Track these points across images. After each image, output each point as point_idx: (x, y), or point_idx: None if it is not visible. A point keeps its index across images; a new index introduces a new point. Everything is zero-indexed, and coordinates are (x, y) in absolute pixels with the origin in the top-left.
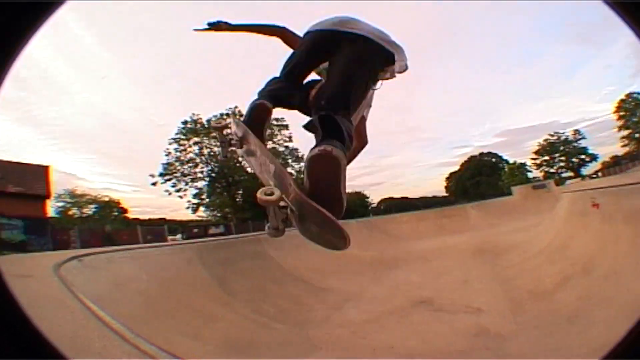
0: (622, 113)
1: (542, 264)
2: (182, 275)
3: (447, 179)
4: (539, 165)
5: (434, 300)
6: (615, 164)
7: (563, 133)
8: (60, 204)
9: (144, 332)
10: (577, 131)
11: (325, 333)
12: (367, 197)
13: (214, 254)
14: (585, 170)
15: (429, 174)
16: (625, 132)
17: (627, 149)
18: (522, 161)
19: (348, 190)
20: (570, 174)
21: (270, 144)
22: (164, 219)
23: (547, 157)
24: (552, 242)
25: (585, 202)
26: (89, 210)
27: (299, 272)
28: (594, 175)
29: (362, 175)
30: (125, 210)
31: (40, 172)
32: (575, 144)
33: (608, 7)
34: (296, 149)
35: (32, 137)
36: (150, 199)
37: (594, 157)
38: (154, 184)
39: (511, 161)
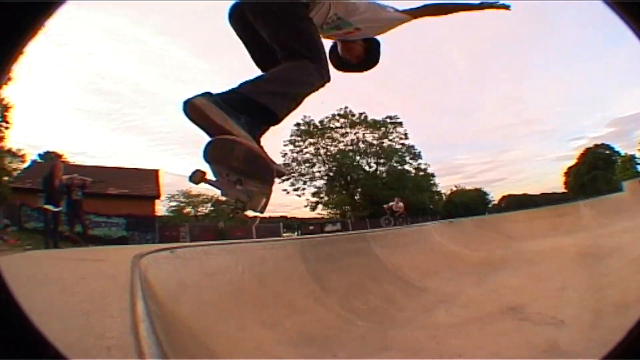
0: None
1: (635, 271)
2: (279, 269)
3: (566, 173)
4: None
5: (525, 307)
6: None
7: None
8: (174, 204)
9: (221, 318)
10: None
11: (403, 334)
12: (487, 194)
13: (317, 249)
14: None
15: (548, 169)
16: None
17: None
18: (632, 153)
19: (469, 187)
20: None
21: (386, 142)
22: (284, 217)
23: None
24: None
25: None
26: (205, 209)
27: (401, 271)
28: None
29: (483, 172)
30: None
31: (150, 175)
32: None
33: (608, 7)
34: (412, 146)
35: (140, 145)
36: (272, 198)
37: None
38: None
39: (622, 153)
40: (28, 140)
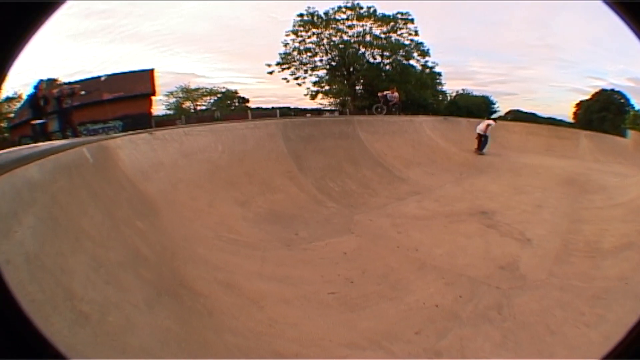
0: None
1: (614, 218)
2: (259, 148)
3: (577, 105)
4: None
5: (496, 215)
6: None
7: None
8: (172, 100)
9: (193, 194)
10: None
11: (369, 219)
12: (495, 104)
13: (300, 129)
14: None
15: (561, 97)
16: None
17: None
18: None
19: (477, 93)
20: None
21: (394, 36)
22: (287, 108)
23: None
24: (637, 199)
25: None
26: (205, 102)
27: (383, 158)
28: None
29: (495, 83)
30: (246, 100)
31: (145, 76)
32: None
33: (608, 7)
34: (422, 43)
35: (138, 51)
36: (274, 89)
37: None
38: (270, 72)
39: (637, 108)
40: (24, 82)
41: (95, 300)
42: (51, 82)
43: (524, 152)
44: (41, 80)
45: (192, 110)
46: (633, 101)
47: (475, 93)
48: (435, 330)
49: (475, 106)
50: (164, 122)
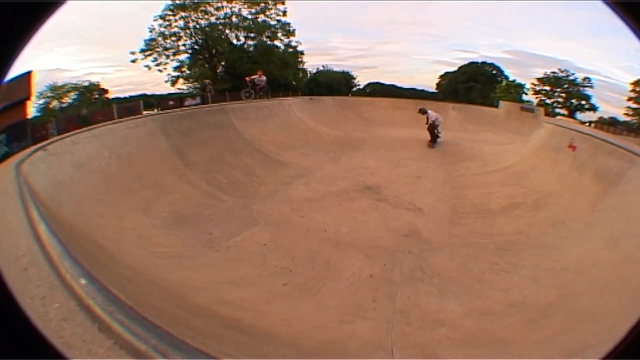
0: (638, 89)
1: (494, 183)
2: (143, 148)
3: (441, 76)
4: (537, 92)
5: (382, 189)
6: (610, 124)
7: (573, 74)
8: (42, 102)
9: (99, 210)
10: (587, 78)
11: (268, 208)
12: (354, 78)
13: (177, 124)
14: (579, 116)
15: (424, 68)
16: (633, 105)
17: (628, 118)
18: (522, 83)
19: (336, 68)
20: (564, 112)
21: (261, 17)
22: (144, 95)
23: (547, 88)
24: (514, 165)
25: (562, 139)
26: (69, 98)
27: (260, 144)
28: (587, 124)
29: (355, 58)
30: (105, 91)
31: (25, 79)
32: (581, 89)
33: (608, 7)
34: (288, 24)
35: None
36: (131, 77)
37: (593, 107)
38: (133, 60)
39: (511, 78)
40: None
41: None
42: None
43: (392, 126)
44: None
45: (58, 109)
46: (507, 72)
47: (335, 69)
48: (386, 296)
49: (335, 82)
50: (37, 128)
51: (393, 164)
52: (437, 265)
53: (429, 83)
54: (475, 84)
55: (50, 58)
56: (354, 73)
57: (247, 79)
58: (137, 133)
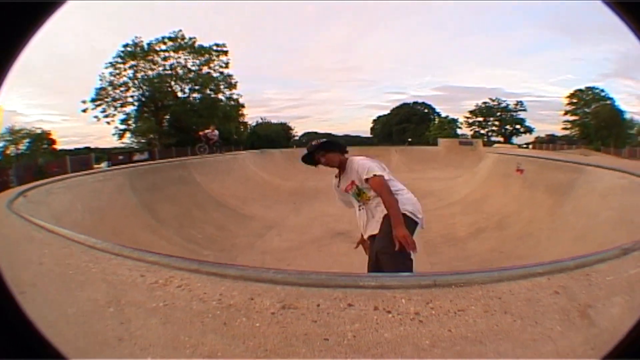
0: (575, 100)
1: (456, 213)
2: (114, 202)
3: (374, 120)
4: (470, 124)
5: (352, 233)
6: (549, 142)
7: (504, 101)
8: (1, 144)
9: None
10: (519, 102)
11: (252, 259)
12: (292, 129)
13: (143, 179)
14: (516, 140)
15: (357, 114)
16: (570, 117)
17: (567, 132)
18: (455, 117)
19: (273, 120)
20: (500, 139)
21: (205, 69)
22: (88, 148)
23: (480, 119)
24: (469, 195)
25: (509, 165)
26: (23, 145)
27: (223, 198)
28: (524, 146)
29: (288, 108)
30: (54, 142)
31: None
32: (514, 114)
33: (608, 7)
34: (231, 76)
35: None
36: (76, 128)
37: (529, 129)
38: (84, 110)
39: (443, 115)
40: None
41: None
42: None
43: None
44: None
45: (14, 155)
46: (439, 109)
47: (273, 121)
48: None
49: (274, 133)
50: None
51: (352, 210)
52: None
53: (364, 128)
54: (409, 125)
55: (8, 98)
56: (290, 124)
57: (200, 133)
58: (106, 186)
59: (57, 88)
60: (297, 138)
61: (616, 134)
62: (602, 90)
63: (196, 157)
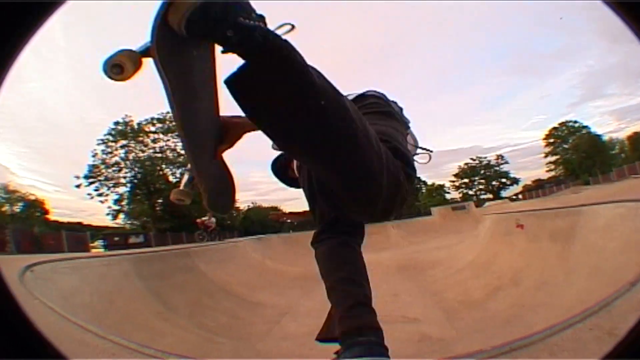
0: (552, 140)
1: (467, 278)
2: (122, 288)
3: None
4: (457, 187)
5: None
6: (538, 187)
7: (485, 158)
8: None
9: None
10: (499, 156)
11: (274, 347)
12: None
13: (149, 266)
14: (505, 193)
15: None
16: (552, 158)
17: (552, 173)
18: (441, 183)
19: (265, 204)
20: (489, 196)
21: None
22: (80, 223)
23: (466, 180)
24: (476, 259)
25: (508, 223)
26: (18, 207)
27: (230, 287)
28: (515, 198)
29: (277, 190)
30: (47, 212)
31: None
32: (497, 168)
33: (608, 7)
34: None
35: None
36: (69, 201)
37: (515, 181)
38: (78, 186)
39: (429, 182)
40: None
41: None
42: None
43: None
44: None
45: (9, 215)
46: (424, 177)
47: (263, 204)
48: None
49: (266, 218)
50: None
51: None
52: (463, 349)
53: None
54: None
55: (2, 149)
56: (281, 206)
57: (198, 221)
58: (112, 271)
59: (50, 156)
60: (289, 221)
61: (600, 161)
62: (576, 122)
63: (197, 244)
